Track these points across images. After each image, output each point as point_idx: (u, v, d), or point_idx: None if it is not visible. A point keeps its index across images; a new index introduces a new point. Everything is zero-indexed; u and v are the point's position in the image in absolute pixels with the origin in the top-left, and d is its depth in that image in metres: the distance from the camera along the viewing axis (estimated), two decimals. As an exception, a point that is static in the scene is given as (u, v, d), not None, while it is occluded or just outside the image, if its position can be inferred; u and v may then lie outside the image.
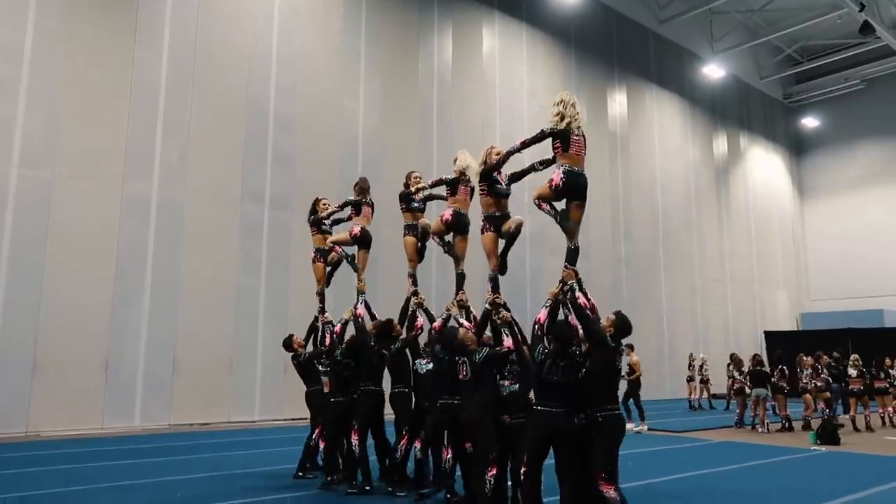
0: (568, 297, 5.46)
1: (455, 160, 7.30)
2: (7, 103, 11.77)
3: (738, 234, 28.70)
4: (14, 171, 11.70)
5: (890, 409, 14.44)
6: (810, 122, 32.63)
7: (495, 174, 6.59)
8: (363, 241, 8.07)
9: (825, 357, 15.10)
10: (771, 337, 27.22)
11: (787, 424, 13.32)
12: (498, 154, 6.57)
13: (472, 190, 7.11)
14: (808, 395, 13.81)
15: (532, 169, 6.26)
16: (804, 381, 14.05)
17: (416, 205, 7.79)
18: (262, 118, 14.89)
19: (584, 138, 5.83)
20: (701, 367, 19.12)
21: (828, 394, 14.12)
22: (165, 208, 13.30)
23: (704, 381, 19.03)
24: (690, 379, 19.23)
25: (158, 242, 13.13)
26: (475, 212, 6.91)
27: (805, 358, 14.61)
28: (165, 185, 13.34)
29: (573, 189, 5.70)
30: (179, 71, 13.78)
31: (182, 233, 13.45)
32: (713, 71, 27.00)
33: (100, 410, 12.06)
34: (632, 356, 13.49)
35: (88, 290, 12.16)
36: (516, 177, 6.60)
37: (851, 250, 30.16)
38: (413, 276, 7.63)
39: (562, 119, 5.74)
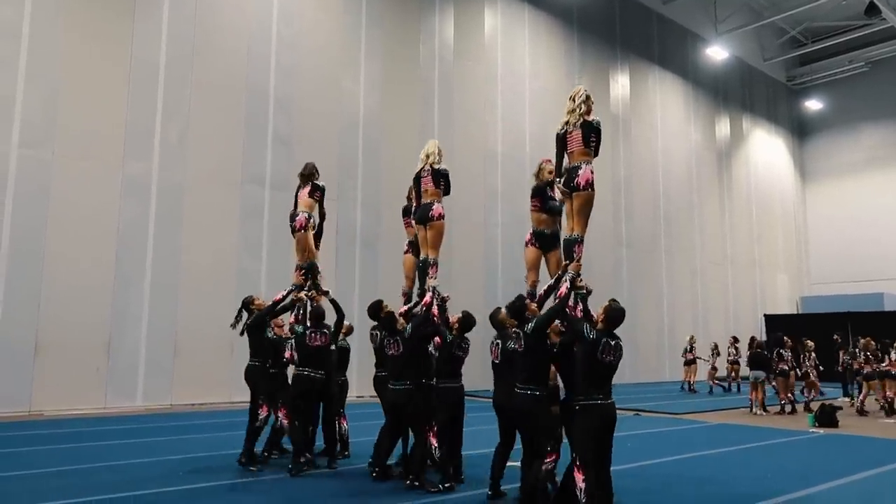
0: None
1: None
2: (6, 82, 11.71)
3: (740, 217, 28.65)
4: (14, 152, 11.67)
5: (890, 392, 14.49)
6: (814, 104, 32.42)
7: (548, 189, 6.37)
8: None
9: (809, 342, 15.19)
10: (771, 320, 27.31)
11: (790, 407, 13.37)
12: (551, 172, 6.25)
13: (434, 176, 7.08)
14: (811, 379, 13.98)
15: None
16: (807, 364, 14.17)
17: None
18: (262, 99, 14.81)
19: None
20: (691, 348, 19.05)
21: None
22: (165, 189, 13.28)
23: (693, 362, 18.95)
24: (691, 362, 19.20)
25: (159, 224, 13.13)
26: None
27: (808, 342, 14.65)
28: (165, 166, 13.31)
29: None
30: (179, 51, 13.69)
31: (182, 214, 13.44)
32: (716, 52, 26.78)
33: (102, 390, 12.14)
34: None
35: (89, 271, 12.19)
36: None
37: (852, 234, 30.11)
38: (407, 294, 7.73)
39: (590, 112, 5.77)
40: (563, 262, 5.78)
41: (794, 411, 13.33)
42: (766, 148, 31.02)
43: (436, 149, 7.20)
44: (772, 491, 6.39)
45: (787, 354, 13.68)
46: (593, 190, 5.56)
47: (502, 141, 19.48)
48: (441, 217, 6.90)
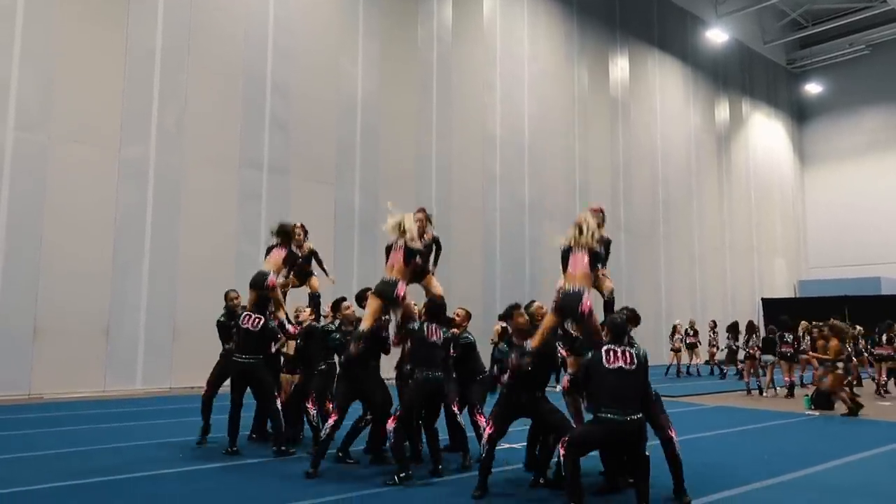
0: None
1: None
2: (1, 65, 11.61)
3: (738, 202, 28.63)
4: (10, 134, 11.60)
5: (883, 377, 14.56)
6: (813, 88, 32.30)
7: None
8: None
9: (805, 323, 15.34)
10: (768, 304, 27.39)
11: (785, 391, 13.44)
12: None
13: (406, 253, 6.40)
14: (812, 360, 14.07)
15: None
16: (805, 346, 14.30)
17: None
18: (259, 82, 14.71)
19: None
20: (694, 332, 19.15)
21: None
22: (163, 174, 13.23)
23: (691, 347, 19.06)
24: (687, 347, 19.29)
25: (156, 208, 13.09)
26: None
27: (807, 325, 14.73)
28: (162, 151, 13.25)
29: None
30: (175, 34, 13.57)
31: (180, 198, 13.39)
32: (716, 35, 26.63)
33: (101, 374, 12.17)
34: None
35: (87, 254, 12.17)
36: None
37: (850, 218, 30.13)
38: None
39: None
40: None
41: (791, 395, 13.38)
42: (766, 132, 30.94)
43: (413, 226, 6.49)
44: (769, 472, 6.44)
45: (790, 337, 13.71)
46: (594, 314, 5.52)
47: (501, 124, 19.39)
48: (405, 298, 6.35)
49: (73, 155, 12.19)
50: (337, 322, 7.21)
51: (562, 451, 4.92)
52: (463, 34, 18.82)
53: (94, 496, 5.39)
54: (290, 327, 7.41)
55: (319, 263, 8.70)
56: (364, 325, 6.14)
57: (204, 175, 13.74)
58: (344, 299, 7.28)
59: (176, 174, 13.39)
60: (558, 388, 6.24)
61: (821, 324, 14.02)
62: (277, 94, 14.98)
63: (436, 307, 6.27)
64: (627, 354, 5.00)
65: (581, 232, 5.64)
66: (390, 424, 5.89)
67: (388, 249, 6.56)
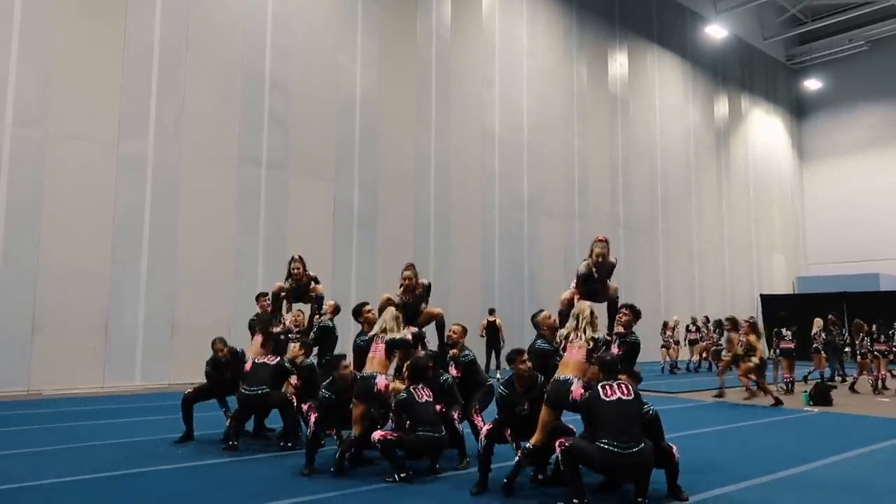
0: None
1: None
2: (-2, 62, 11.60)
3: (737, 198, 28.63)
4: (8, 131, 11.59)
5: (884, 372, 14.59)
6: (813, 84, 32.26)
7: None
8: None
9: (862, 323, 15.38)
10: (767, 301, 27.40)
11: (784, 388, 13.47)
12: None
13: (388, 346, 6.45)
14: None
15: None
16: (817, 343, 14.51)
17: None
18: (257, 79, 14.69)
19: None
20: (673, 329, 19.28)
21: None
22: (161, 170, 13.22)
23: (676, 343, 19.17)
24: (689, 343, 19.35)
25: (155, 204, 13.08)
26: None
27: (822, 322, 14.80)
28: (161, 147, 13.24)
29: None
30: (173, 31, 13.55)
31: (179, 195, 13.39)
32: (716, 31, 26.60)
33: (100, 370, 12.18)
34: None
35: (86, 251, 12.17)
36: None
37: (849, 214, 30.13)
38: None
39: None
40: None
41: (791, 391, 13.38)
42: (765, 128, 30.92)
43: (394, 322, 6.52)
44: (767, 469, 6.45)
45: (788, 334, 13.71)
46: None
47: (500, 121, 19.38)
48: (387, 389, 6.27)
49: (71, 152, 12.18)
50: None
51: (558, 450, 4.95)
52: (462, 31, 18.79)
53: (93, 492, 5.40)
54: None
55: (315, 303, 8.31)
56: (355, 431, 6.13)
57: (203, 172, 13.73)
58: (366, 304, 7.35)
59: (175, 171, 13.38)
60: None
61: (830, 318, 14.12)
62: (276, 92, 14.96)
63: (417, 370, 6.19)
64: (623, 386, 5.11)
65: (578, 326, 5.73)
66: (377, 435, 5.87)
67: (371, 339, 6.60)
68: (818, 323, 15.50)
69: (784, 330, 13.72)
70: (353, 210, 15.92)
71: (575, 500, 4.80)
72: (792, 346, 13.64)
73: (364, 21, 16.63)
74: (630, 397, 5.06)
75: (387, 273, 8.16)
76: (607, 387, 5.09)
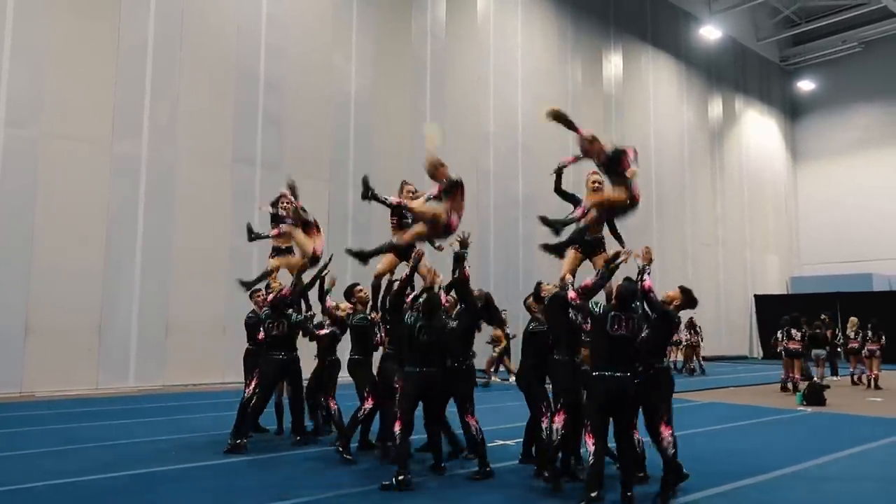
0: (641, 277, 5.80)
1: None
2: (-9, 61, 11.54)
3: (731, 198, 28.71)
4: (0, 131, 11.52)
5: (876, 371, 14.67)
6: (806, 85, 32.38)
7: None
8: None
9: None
10: (761, 301, 27.51)
11: (791, 386, 13.47)
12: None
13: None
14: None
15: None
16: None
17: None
18: (252, 78, 14.65)
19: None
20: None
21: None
22: (155, 169, 13.17)
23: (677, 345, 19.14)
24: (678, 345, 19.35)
25: (149, 203, 13.04)
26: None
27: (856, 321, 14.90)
28: (155, 146, 13.19)
29: None
30: (167, 30, 13.49)
31: (173, 194, 13.34)
32: (710, 32, 26.67)
33: (94, 371, 12.12)
34: None
35: (79, 251, 12.11)
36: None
37: (842, 215, 30.23)
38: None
39: None
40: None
41: (796, 390, 13.35)
42: (759, 128, 31.01)
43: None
44: (761, 468, 6.47)
45: (798, 334, 13.65)
46: None
47: (494, 121, 19.38)
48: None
49: (64, 151, 12.12)
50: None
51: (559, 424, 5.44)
52: (457, 30, 18.78)
53: (86, 495, 5.38)
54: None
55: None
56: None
57: (197, 171, 13.69)
58: (357, 284, 7.30)
59: (168, 170, 13.33)
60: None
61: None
62: (270, 91, 14.92)
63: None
64: (631, 323, 5.24)
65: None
66: (397, 427, 5.82)
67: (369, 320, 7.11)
68: (853, 322, 15.55)
69: (793, 330, 13.62)
70: (347, 209, 15.88)
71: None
72: (800, 346, 13.57)
73: (359, 20, 16.60)
74: (634, 334, 5.27)
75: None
76: (617, 319, 5.21)
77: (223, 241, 13.90)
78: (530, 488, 5.66)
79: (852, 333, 15.42)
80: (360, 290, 7.28)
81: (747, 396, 12.99)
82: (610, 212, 6.46)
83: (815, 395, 11.70)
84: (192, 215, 13.52)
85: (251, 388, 7.21)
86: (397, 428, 5.73)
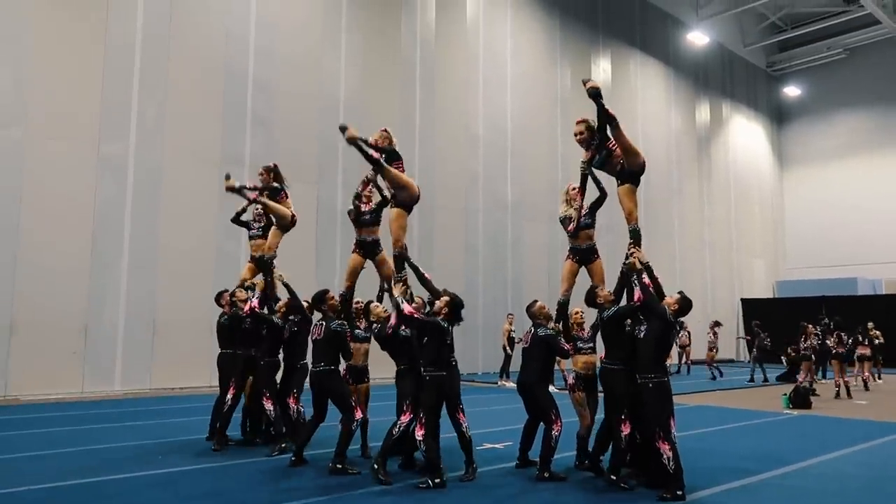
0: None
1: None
2: (-24, 60, 11.41)
3: (718, 203, 28.91)
4: (-15, 131, 11.40)
5: (867, 374, 14.82)
6: (792, 90, 32.71)
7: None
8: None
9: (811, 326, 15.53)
10: (747, 304, 27.69)
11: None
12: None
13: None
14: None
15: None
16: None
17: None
18: (240, 78, 14.58)
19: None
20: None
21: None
22: (143, 170, 13.07)
23: (682, 348, 19.31)
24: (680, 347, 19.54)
25: (136, 205, 12.93)
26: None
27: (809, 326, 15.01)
28: (142, 147, 13.09)
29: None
30: (155, 30, 13.41)
31: (160, 195, 13.24)
32: (697, 38, 26.87)
33: (79, 374, 11.99)
34: None
35: (65, 252, 11.99)
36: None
37: (828, 219, 30.54)
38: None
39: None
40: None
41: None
42: (746, 133, 31.28)
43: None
44: (747, 471, 6.50)
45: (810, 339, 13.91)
46: None
47: (483, 125, 19.41)
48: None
49: (50, 150, 12.00)
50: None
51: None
52: (446, 34, 18.80)
53: (72, 499, 5.31)
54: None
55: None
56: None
57: (184, 171, 13.59)
58: (327, 291, 7.18)
59: (156, 171, 13.23)
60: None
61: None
62: (259, 92, 14.86)
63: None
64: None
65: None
66: (419, 433, 5.82)
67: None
68: (872, 329, 15.86)
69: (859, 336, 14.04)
70: (336, 211, 15.82)
71: None
72: (869, 351, 13.95)
73: (348, 22, 16.58)
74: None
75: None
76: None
77: (210, 242, 13.82)
78: (535, 488, 5.65)
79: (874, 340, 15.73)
80: (332, 298, 7.00)
81: (735, 399, 13.06)
82: (627, 158, 6.83)
83: (801, 399, 11.79)
84: (180, 216, 13.42)
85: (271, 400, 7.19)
86: (420, 433, 5.83)
